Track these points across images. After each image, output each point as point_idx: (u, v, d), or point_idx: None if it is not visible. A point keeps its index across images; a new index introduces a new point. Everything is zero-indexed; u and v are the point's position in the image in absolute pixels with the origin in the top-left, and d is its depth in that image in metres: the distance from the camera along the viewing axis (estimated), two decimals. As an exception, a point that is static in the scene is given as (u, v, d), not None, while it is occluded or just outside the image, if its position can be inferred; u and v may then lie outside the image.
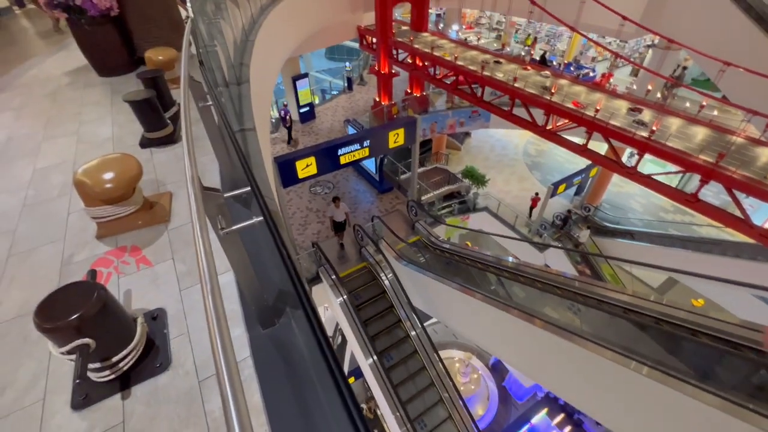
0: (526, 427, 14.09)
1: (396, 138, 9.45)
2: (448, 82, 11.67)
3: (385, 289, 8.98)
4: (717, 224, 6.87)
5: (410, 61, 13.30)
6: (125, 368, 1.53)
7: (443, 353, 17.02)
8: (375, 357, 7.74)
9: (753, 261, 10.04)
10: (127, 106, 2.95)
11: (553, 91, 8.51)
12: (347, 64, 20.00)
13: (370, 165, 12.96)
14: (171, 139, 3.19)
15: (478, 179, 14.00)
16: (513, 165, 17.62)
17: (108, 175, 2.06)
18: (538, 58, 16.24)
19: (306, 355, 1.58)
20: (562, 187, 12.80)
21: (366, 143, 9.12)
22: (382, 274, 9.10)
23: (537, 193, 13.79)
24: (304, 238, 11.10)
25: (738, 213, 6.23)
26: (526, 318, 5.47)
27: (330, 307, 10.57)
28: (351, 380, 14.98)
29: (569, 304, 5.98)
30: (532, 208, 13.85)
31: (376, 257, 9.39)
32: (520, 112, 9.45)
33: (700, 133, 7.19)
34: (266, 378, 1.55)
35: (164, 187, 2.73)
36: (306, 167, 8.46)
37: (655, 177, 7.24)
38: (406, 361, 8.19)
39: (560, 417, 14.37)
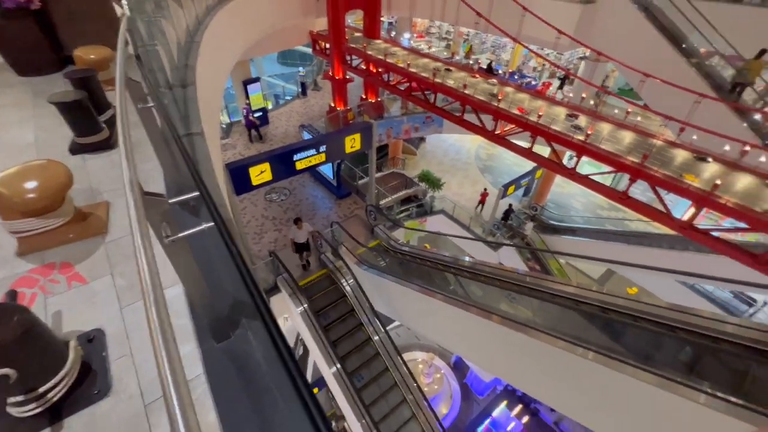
0: (487, 421, 14.57)
1: (352, 143, 9.45)
2: (402, 89, 11.91)
3: (346, 294, 8.89)
4: (645, 218, 7.62)
5: (364, 68, 13.41)
6: (55, 399, 1.36)
7: (406, 355, 17.16)
8: (338, 365, 7.62)
9: (675, 250, 11.28)
10: (53, 108, 2.66)
11: (500, 98, 9.00)
12: (301, 69, 19.73)
13: (327, 170, 12.83)
14: (107, 145, 2.92)
15: (434, 183, 14.39)
16: (466, 168, 18.33)
17: (30, 184, 1.83)
18: (485, 67, 17.12)
19: (265, 367, 1.51)
20: (511, 189, 13.53)
21: (322, 148, 9.02)
22: (342, 280, 9.01)
23: (485, 189, 15.01)
24: (260, 247, 10.69)
25: (661, 208, 6.98)
26: (484, 315, 5.68)
27: (290, 317, 10.25)
28: (315, 391, 14.57)
29: (521, 298, 6.32)
30: (481, 203, 14.98)
31: (336, 263, 9.28)
32: (470, 117, 9.88)
33: (627, 136, 7.98)
34: (222, 395, 1.46)
35: (100, 197, 2.49)
36: (260, 174, 8.17)
37: (591, 177, 7.90)
38: (369, 367, 8.14)
39: (518, 408, 15.05)
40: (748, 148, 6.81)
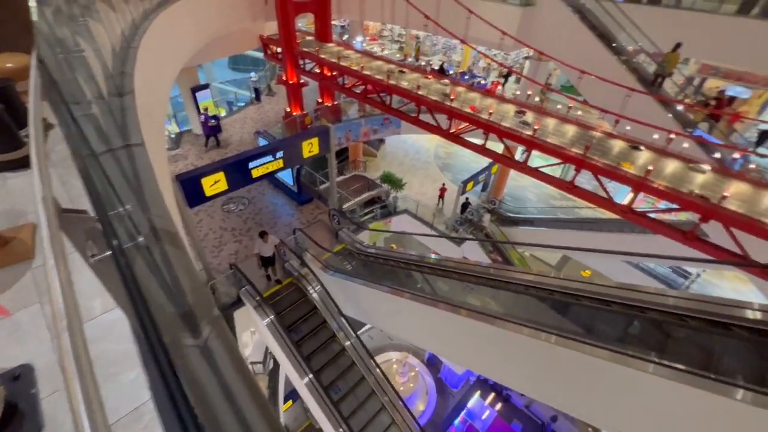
0: (463, 413, 14.89)
1: (310, 147, 9.31)
2: (358, 91, 11.92)
3: (314, 302, 8.73)
4: (591, 205, 8.17)
5: (318, 71, 13.28)
6: (-26, 448, 1.22)
7: (381, 357, 17.18)
8: (311, 375, 7.45)
9: (621, 233, 12.20)
10: (-39, 123, 2.39)
11: (452, 97, 9.27)
12: (253, 74, 19.16)
13: (286, 177, 12.54)
14: (29, 162, 2.66)
15: (396, 183, 14.52)
16: (426, 168, 18.69)
17: (-68, 209, 1.63)
18: (437, 68, 17.57)
19: (219, 384, 1.44)
20: (470, 185, 13.97)
21: (279, 154, 8.80)
22: (309, 288, 8.84)
23: (443, 184, 15.67)
24: (220, 261, 10.23)
25: (604, 194, 7.52)
26: (451, 309, 5.79)
27: (257, 330, 9.89)
28: (289, 404, 14.18)
29: (486, 290, 6.54)
30: (440, 197, 15.51)
31: (301, 270, 9.08)
32: (426, 117, 10.08)
33: (571, 130, 8.52)
34: (172, 420, 1.37)
35: (24, 219, 2.26)
36: (214, 184, 7.82)
37: (541, 169, 8.34)
38: (343, 373, 8.04)
39: (491, 396, 15.54)
40: (673, 135, 7.52)
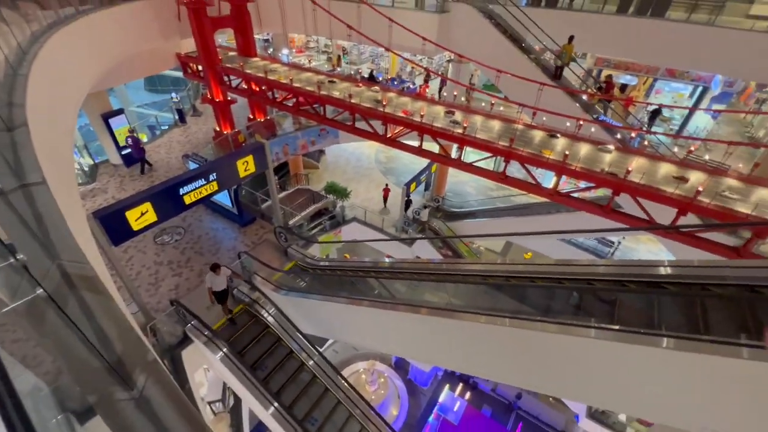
0: (436, 409, 15.13)
1: (246, 166, 8.92)
2: (290, 104, 11.70)
3: (270, 326, 8.33)
4: (524, 192, 8.84)
5: (246, 87, 12.82)
6: None
7: (348, 369, 16.88)
8: (275, 404, 7.07)
9: (552, 214, 13.33)
10: None
11: (384, 103, 9.49)
12: (174, 94, 17.92)
13: (224, 199, 11.87)
14: None
15: (341, 193, 14.46)
16: (369, 174, 18.86)
17: None
18: (366, 76, 17.88)
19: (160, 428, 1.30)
20: (413, 186, 14.35)
21: (213, 177, 8.32)
22: (263, 312, 8.43)
23: (387, 185, 16.16)
24: (158, 298, 9.36)
25: (532, 181, 8.18)
26: (412, 309, 5.85)
27: (210, 366, 9.19)
28: (256, 439, 13.30)
29: (442, 286, 6.73)
30: (385, 198, 15.98)
31: (252, 295, 8.63)
32: (362, 125, 10.20)
33: (497, 125, 9.15)
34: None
35: None
36: (141, 216, 7.15)
37: (476, 164, 8.84)
38: (309, 394, 7.74)
39: (460, 387, 15.99)
40: (582, 122, 8.41)
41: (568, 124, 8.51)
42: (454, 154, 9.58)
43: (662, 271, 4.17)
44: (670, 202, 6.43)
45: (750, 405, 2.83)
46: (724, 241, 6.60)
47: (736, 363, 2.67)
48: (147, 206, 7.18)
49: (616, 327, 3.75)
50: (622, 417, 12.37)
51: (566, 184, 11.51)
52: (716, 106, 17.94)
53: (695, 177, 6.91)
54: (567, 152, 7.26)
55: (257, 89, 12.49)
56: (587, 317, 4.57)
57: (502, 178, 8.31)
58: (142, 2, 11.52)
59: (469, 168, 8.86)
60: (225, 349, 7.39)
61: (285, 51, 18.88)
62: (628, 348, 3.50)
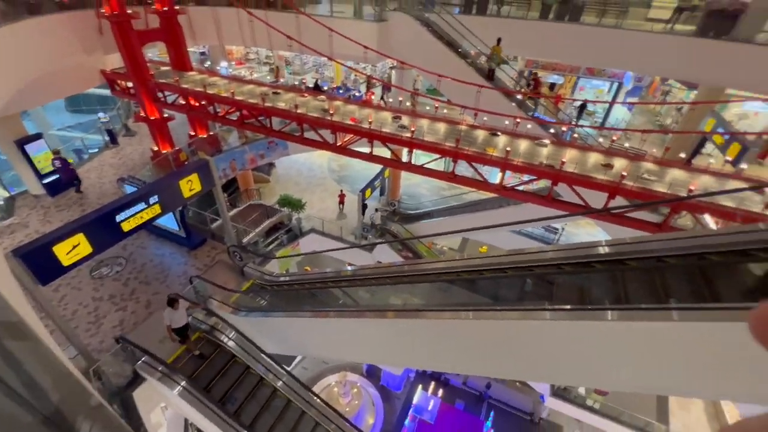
0: (411, 410, 15.20)
1: (191, 185, 8.44)
2: (234, 118, 11.28)
3: (231, 351, 7.90)
4: (474, 189, 9.25)
5: (183, 102, 12.16)
6: None
7: (319, 384, 16.45)
8: (245, 431, 6.70)
9: (501, 208, 14.06)
10: None
11: (332, 112, 9.47)
12: (102, 114, 16.49)
13: (169, 222, 11.11)
14: None
15: (296, 205, 14.16)
16: (323, 183, 18.68)
17: None
18: (312, 86, 17.76)
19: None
20: (368, 192, 14.44)
21: (154, 199, 7.76)
22: (222, 337, 7.98)
23: (342, 190, 16.41)
24: (101, 337, 8.51)
25: (480, 178, 8.60)
26: (377, 315, 5.85)
27: (168, 403, 8.52)
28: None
29: (405, 287, 6.82)
30: (340, 204, 16.22)
31: (209, 321, 8.14)
32: (311, 135, 10.09)
33: (442, 127, 9.51)
34: None
35: None
36: (73, 249, 6.48)
37: (426, 166, 9.11)
38: (281, 416, 7.44)
39: (432, 385, 16.21)
40: (519, 120, 9.01)
41: (506, 122, 9.07)
42: (404, 158, 9.80)
43: (595, 251, 4.57)
44: (601, 188, 7.09)
45: (677, 361, 3.19)
46: (649, 219, 7.39)
47: (661, 326, 3.00)
48: (79, 238, 6.53)
49: (568, 306, 4.05)
50: (582, 390, 13.26)
51: (511, 179, 12.24)
52: (630, 99, 20.15)
53: (619, 163, 7.67)
54: (508, 149, 7.73)
55: (196, 104, 11.91)
56: (542, 301, 4.87)
57: (452, 177, 8.64)
58: (56, 15, 10.52)
59: (420, 170, 9.11)
60: (183, 383, 6.89)
61: (224, 63, 18.21)
62: (579, 324, 3.78)
